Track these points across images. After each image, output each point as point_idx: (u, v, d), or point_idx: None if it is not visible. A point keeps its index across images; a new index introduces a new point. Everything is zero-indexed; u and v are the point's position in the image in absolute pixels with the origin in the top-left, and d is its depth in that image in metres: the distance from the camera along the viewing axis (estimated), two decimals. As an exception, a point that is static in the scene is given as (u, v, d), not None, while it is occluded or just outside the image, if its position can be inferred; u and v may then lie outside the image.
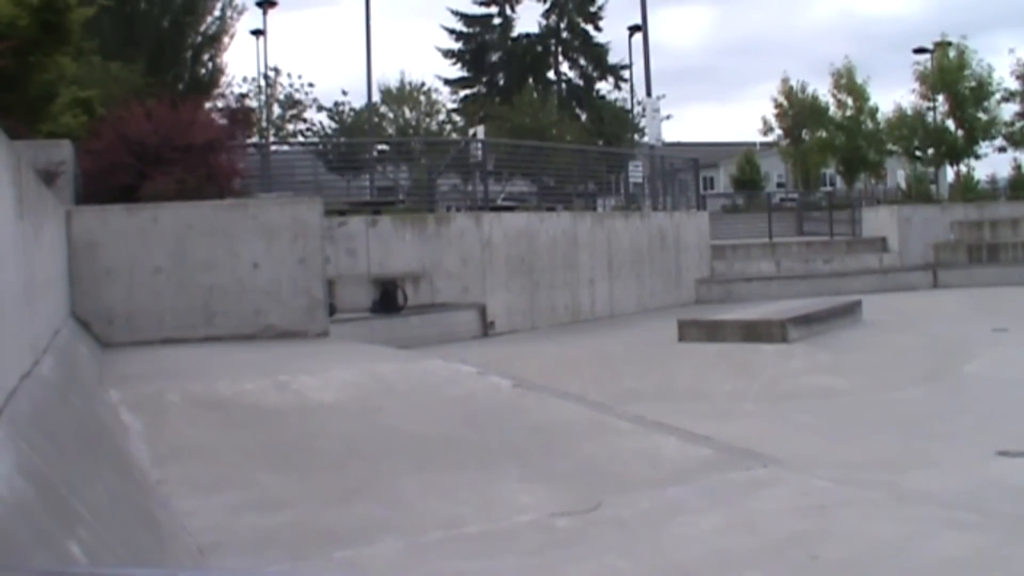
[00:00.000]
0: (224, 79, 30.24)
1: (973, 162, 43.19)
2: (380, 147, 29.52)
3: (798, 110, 45.69)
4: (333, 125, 40.89)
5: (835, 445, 8.56)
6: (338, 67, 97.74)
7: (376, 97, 39.30)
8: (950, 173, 45.15)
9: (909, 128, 42.67)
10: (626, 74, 47.30)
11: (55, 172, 11.00)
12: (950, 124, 41.66)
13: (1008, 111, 41.17)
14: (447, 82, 49.06)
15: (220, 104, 25.03)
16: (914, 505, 5.69)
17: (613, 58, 49.31)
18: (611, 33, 52.54)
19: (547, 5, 49.85)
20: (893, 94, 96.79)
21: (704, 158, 36.48)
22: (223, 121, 17.84)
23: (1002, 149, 42.11)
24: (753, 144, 55.60)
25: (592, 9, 49.92)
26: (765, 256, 24.15)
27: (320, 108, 40.57)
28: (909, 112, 42.85)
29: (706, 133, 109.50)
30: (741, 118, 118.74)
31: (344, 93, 67.42)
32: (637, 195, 25.01)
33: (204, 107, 19.29)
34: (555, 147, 26.75)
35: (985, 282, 22.05)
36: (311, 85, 49.53)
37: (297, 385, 7.53)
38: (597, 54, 49.82)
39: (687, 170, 25.80)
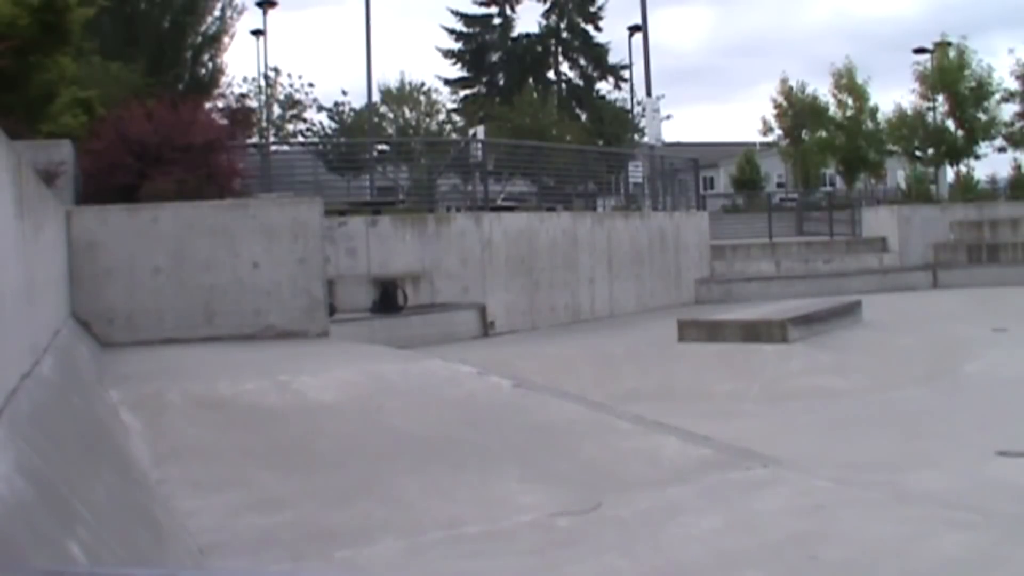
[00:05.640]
0: (224, 79, 30.24)
1: (973, 162, 43.19)
2: (380, 147, 29.50)
3: (798, 110, 45.67)
4: (333, 125, 40.87)
5: (835, 445, 8.55)
6: (338, 67, 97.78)
7: (376, 97, 39.28)
8: (950, 173, 45.14)
9: (909, 128, 42.65)
10: (626, 74, 47.31)
11: (55, 172, 11.00)
12: (950, 124, 41.64)
13: (1008, 111, 41.17)
14: (447, 82, 49.09)
15: (220, 104, 25.01)
16: (914, 505, 5.68)
17: (613, 58, 49.34)
18: (611, 33, 52.55)
19: (547, 5, 49.83)
20: (893, 94, 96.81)
21: (704, 158, 36.46)
22: (223, 121, 17.83)
23: (1002, 149, 42.09)
24: (753, 144, 55.54)
25: (592, 9, 49.89)
26: (765, 256, 24.14)
27: (320, 108, 40.57)
28: (909, 112, 42.84)
29: (706, 133, 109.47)
30: (741, 118, 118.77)
31: (344, 93, 67.56)
32: (637, 195, 25.01)
33: (204, 107, 19.26)
34: (555, 147, 26.74)
35: (985, 282, 22.02)
36: (311, 85, 49.50)
37: (297, 385, 7.54)
38: (597, 54, 49.80)
39: (687, 170, 25.78)
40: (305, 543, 4.83)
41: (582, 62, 50.40)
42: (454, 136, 40.54)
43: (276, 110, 39.41)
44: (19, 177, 4.77)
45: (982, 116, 40.92)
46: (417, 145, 30.35)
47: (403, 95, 44.26)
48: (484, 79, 49.85)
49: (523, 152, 23.06)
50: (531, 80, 47.44)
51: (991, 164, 58.84)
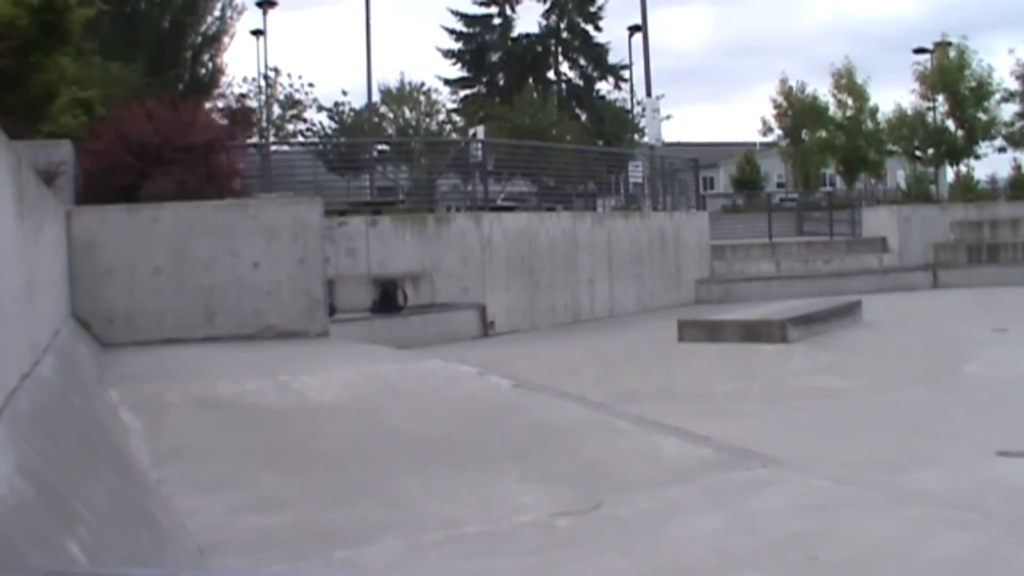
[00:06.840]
0: (224, 79, 30.28)
1: (973, 162, 43.18)
2: (380, 147, 29.51)
3: (798, 110, 45.68)
4: (333, 125, 40.87)
5: (835, 445, 8.55)
6: (338, 67, 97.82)
7: (376, 97, 39.31)
8: (950, 173, 45.13)
9: (909, 128, 42.66)
10: (626, 74, 47.35)
11: (55, 172, 11.01)
12: (950, 124, 41.64)
13: (1008, 111, 41.19)
14: (447, 82, 49.13)
15: (220, 104, 25.01)
16: (914, 505, 5.68)
17: (613, 58, 49.39)
18: (611, 33, 52.63)
19: (547, 5, 49.86)
20: (893, 94, 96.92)
21: (704, 158, 36.47)
22: (223, 121, 17.84)
23: (1002, 149, 42.09)
24: (753, 144, 55.56)
25: (592, 9, 49.92)
26: (765, 256, 24.14)
27: (320, 108, 40.58)
28: (909, 112, 42.84)
29: (706, 133, 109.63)
30: (741, 118, 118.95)
31: (344, 93, 67.61)
32: (637, 195, 25.00)
33: (204, 107, 19.27)
34: (555, 147, 26.75)
35: (985, 282, 22.02)
36: (311, 85, 49.63)
37: (297, 385, 7.54)
38: (597, 54, 49.82)
39: (687, 170, 25.79)
40: (305, 543, 4.83)
41: (582, 62, 50.42)
42: (454, 136, 40.54)
43: (276, 110, 39.43)
44: (19, 177, 4.77)
45: (982, 116, 40.92)
46: (417, 145, 30.35)
47: (403, 95, 44.26)
48: (484, 79, 49.87)
49: (523, 152, 23.06)
50: (531, 80, 47.48)
51: (991, 164, 58.87)
